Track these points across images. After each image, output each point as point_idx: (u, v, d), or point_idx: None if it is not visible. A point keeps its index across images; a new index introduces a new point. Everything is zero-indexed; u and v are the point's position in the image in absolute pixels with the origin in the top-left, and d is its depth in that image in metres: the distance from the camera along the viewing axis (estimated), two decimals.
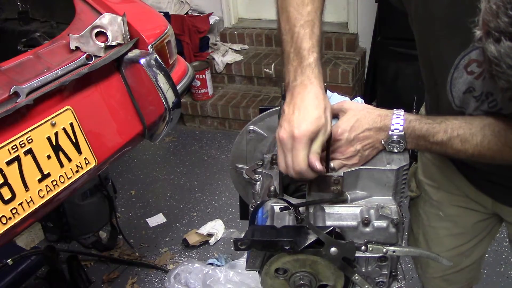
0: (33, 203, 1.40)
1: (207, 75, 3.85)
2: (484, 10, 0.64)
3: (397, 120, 0.97)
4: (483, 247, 1.41)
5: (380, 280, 0.99)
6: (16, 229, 1.38)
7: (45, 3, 2.18)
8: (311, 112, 0.91)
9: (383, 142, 0.98)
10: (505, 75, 0.66)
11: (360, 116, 0.98)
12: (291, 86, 0.95)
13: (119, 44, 1.66)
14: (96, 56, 1.62)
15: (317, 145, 0.92)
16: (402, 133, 0.96)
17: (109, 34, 1.63)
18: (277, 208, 0.96)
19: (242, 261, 2.39)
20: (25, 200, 1.38)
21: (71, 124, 1.52)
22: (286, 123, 0.91)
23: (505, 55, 0.63)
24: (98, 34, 1.62)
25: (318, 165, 0.91)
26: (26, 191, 1.39)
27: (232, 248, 0.88)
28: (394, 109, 0.99)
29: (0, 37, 2.19)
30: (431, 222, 1.37)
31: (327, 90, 1.03)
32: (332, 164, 0.97)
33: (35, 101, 1.40)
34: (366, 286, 0.94)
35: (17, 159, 1.37)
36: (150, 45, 1.78)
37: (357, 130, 0.97)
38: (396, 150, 0.98)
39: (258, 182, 1.05)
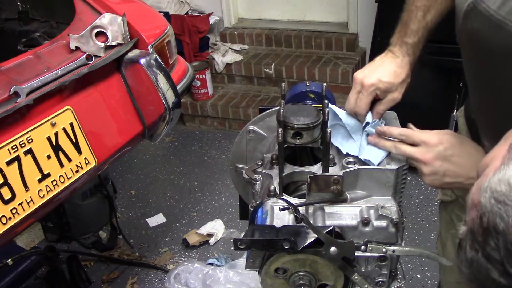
0: (33, 203, 1.40)
1: (207, 75, 3.85)
2: (478, 215, 0.58)
3: None
4: None
5: (379, 279, 0.99)
6: (16, 229, 1.38)
7: (45, 3, 2.18)
8: (386, 73, 1.03)
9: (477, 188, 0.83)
10: (468, 279, 0.63)
11: (468, 145, 0.96)
12: (390, 46, 1.08)
13: (119, 44, 1.66)
14: (96, 56, 1.62)
15: (382, 107, 1.03)
16: None
17: (109, 34, 1.63)
18: (276, 208, 0.96)
19: (242, 261, 2.39)
20: (25, 200, 1.38)
21: (71, 124, 1.52)
22: (367, 67, 1.05)
23: (475, 268, 0.60)
24: (98, 34, 1.62)
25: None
26: (26, 191, 1.39)
27: (232, 248, 0.88)
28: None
29: (0, 37, 2.19)
30: None
31: (329, 104, 1.04)
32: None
33: (35, 101, 1.40)
34: (366, 286, 0.94)
35: (17, 159, 1.37)
36: (150, 45, 1.78)
37: (455, 150, 0.94)
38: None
39: (258, 182, 1.05)
